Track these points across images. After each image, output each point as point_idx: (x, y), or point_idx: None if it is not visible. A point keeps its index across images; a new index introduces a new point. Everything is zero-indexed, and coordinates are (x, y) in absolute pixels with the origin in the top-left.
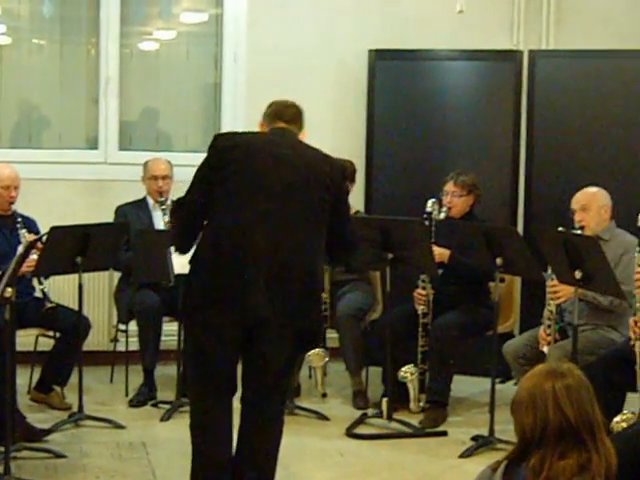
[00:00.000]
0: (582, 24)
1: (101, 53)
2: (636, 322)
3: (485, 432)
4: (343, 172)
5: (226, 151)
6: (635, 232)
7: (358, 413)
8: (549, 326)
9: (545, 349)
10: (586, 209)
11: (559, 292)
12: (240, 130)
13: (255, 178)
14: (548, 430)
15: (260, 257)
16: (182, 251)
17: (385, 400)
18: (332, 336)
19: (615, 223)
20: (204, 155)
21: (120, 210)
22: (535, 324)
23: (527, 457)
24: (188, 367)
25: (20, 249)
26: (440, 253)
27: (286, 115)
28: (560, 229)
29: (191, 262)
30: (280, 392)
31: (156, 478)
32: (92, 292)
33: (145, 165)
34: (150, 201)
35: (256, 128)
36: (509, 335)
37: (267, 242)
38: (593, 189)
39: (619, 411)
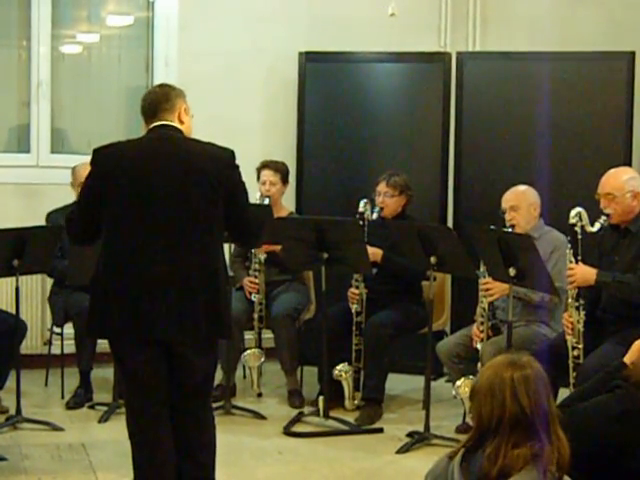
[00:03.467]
0: (507, 27)
1: (32, 56)
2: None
3: (420, 428)
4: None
5: (107, 173)
6: (564, 229)
7: (294, 412)
8: (482, 323)
9: (479, 346)
10: (516, 208)
11: (492, 289)
12: None
13: (139, 198)
14: (504, 419)
15: (160, 281)
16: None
17: (321, 398)
18: (267, 336)
19: (543, 221)
20: None
21: (51, 216)
22: (466, 322)
23: (483, 445)
24: (124, 389)
25: None
26: (373, 252)
27: (157, 109)
28: (492, 227)
29: (91, 291)
30: (206, 393)
31: (98, 478)
32: (24, 295)
33: (73, 171)
34: None
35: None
36: (441, 333)
37: (164, 265)
38: (522, 187)
39: None
